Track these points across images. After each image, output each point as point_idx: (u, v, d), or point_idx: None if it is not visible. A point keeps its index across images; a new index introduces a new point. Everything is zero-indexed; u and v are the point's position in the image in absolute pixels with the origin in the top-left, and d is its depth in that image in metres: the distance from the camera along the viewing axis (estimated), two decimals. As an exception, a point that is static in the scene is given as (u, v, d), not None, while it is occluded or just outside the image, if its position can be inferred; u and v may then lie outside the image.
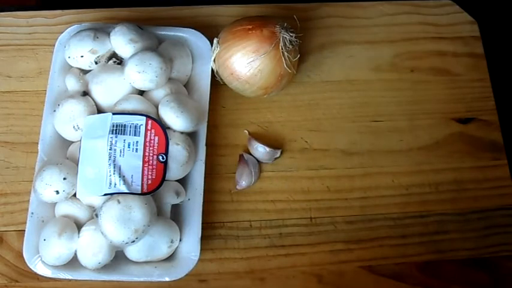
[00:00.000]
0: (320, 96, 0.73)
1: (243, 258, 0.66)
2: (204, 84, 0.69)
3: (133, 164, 0.61)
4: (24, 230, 0.62)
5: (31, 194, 0.63)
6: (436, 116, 0.73)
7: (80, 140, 0.63)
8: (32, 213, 0.62)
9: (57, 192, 0.61)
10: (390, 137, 0.72)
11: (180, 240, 0.62)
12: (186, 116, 0.64)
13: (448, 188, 0.69)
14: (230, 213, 0.67)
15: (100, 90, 0.65)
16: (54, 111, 0.65)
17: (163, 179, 0.61)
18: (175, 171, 0.63)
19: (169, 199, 0.63)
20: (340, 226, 0.67)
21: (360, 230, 0.67)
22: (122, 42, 0.66)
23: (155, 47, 0.69)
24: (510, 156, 0.72)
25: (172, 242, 0.61)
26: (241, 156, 0.69)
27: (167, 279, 0.61)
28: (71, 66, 0.68)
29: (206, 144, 0.66)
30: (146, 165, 0.61)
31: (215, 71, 0.70)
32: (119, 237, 0.58)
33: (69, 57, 0.67)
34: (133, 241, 0.59)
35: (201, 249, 0.62)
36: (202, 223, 0.63)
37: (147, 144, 0.62)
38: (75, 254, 0.61)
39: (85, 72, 0.68)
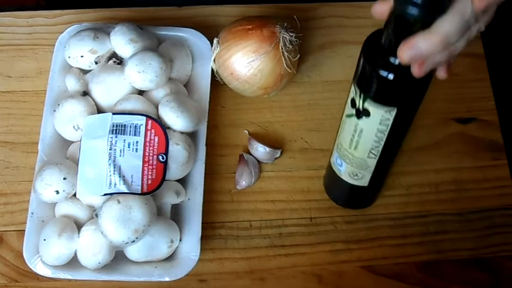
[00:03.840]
0: (320, 96, 0.73)
1: (243, 258, 0.66)
2: (204, 84, 0.69)
3: (133, 164, 0.61)
4: (24, 230, 0.62)
5: (31, 194, 0.63)
6: (436, 116, 0.73)
7: (80, 140, 0.63)
8: (32, 213, 0.62)
9: (57, 192, 0.61)
10: (390, 137, 0.71)
11: (180, 240, 0.62)
12: (186, 116, 0.64)
13: (448, 188, 0.69)
14: (230, 213, 0.67)
15: (100, 90, 0.65)
16: (54, 111, 0.65)
17: (163, 179, 0.61)
18: (175, 171, 0.63)
19: (169, 199, 0.63)
20: (340, 226, 0.67)
21: (360, 230, 0.67)
22: (122, 42, 0.66)
23: (155, 47, 0.69)
24: (510, 156, 0.71)
25: (172, 242, 0.61)
26: (241, 156, 0.69)
27: (167, 279, 0.61)
28: (71, 66, 0.68)
29: (206, 144, 0.66)
30: (146, 165, 0.61)
31: (215, 71, 0.70)
32: (119, 237, 0.58)
33: (69, 57, 0.67)
34: (134, 241, 0.59)
35: (201, 249, 0.62)
36: (202, 223, 0.63)
37: (147, 144, 0.62)
38: (75, 254, 0.61)
39: (85, 72, 0.68)
